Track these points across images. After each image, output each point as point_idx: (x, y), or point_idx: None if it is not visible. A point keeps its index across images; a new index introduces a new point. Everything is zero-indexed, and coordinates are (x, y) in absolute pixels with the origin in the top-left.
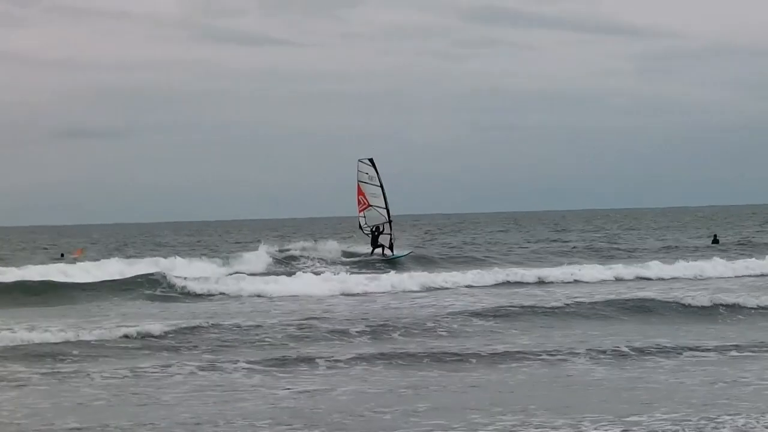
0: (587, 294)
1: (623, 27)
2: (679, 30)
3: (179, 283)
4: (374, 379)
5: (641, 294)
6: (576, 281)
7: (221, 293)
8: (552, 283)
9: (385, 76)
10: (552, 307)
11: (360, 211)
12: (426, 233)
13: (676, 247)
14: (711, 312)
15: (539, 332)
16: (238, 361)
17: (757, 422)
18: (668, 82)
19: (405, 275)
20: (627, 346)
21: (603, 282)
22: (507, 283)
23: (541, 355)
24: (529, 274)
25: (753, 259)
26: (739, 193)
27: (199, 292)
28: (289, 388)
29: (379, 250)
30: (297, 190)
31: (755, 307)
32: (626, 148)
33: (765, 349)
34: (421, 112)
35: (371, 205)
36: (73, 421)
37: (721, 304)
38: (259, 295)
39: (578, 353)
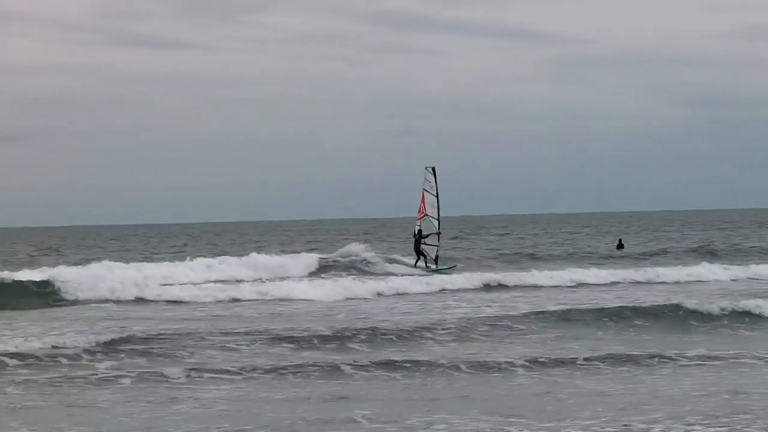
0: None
1: (532, 33)
2: (589, 36)
3: (72, 290)
4: (315, 385)
5: None
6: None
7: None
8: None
9: (294, 82)
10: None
11: (418, 220)
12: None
13: (589, 252)
14: None
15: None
16: (168, 369)
17: None
18: (579, 88)
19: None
20: None
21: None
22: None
23: None
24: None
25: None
26: (651, 199)
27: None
28: (222, 394)
29: (421, 263)
30: (208, 194)
31: None
32: (538, 154)
33: None
34: (330, 117)
35: (428, 215)
36: (20, 424)
37: None
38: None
39: None
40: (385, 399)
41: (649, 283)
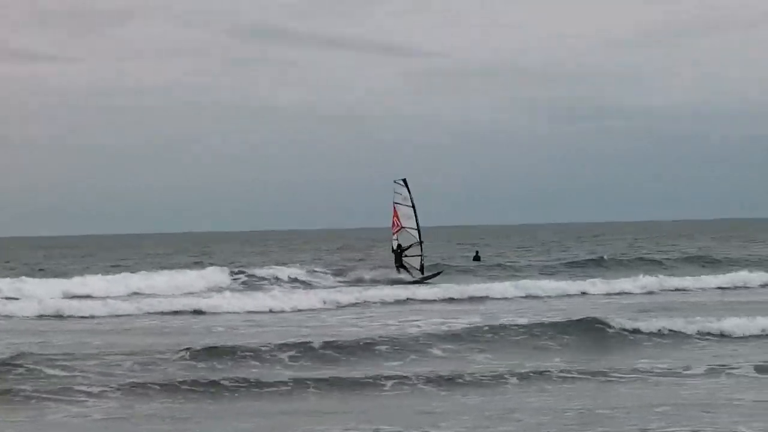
0: None
1: (387, 45)
2: (451, 50)
3: None
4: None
5: None
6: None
7: None
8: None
9: (156, 93)
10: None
11: (393, 234)
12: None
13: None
14: None
15: None
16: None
17: None
18: (436, 101)
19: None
20: None
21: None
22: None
23: None
24: None
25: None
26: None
27: None
28: (96, 409)
29: (406, 275)
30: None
31: None
32: (400, 166)
33: None
34: (193, 129)
35: (404, 227)
36: None
37: None
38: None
39: None
40: (263, 414)
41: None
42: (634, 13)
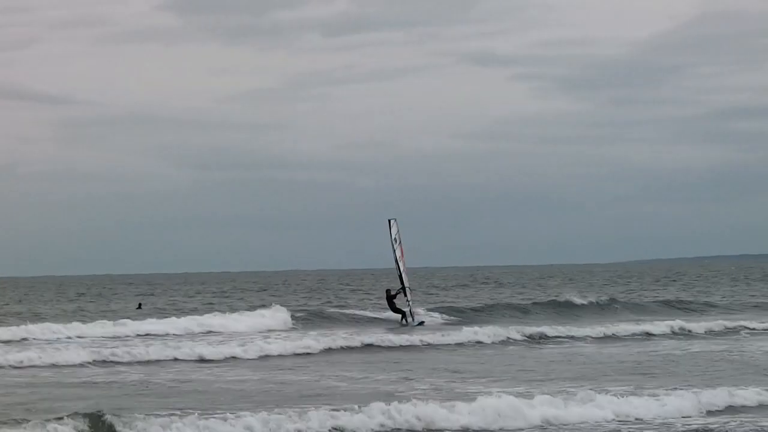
0: None
1: (38, 93)
2: (96, 98)
3: None
4: None
5: None
6: None
7: None
8: None
9: None
10: None
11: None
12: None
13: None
14: None
15: None
16: None
17: None
18: (87, 150)
19: None
20: None
21: None
22: None
23: None
24: None
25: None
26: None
27: None
28: None
29: (399, 316)
30: None
31: None
32: (44, 219)
33: None
34: None
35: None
36: None
37: None
38: None
39: None
40: None
41: None
42: (281, 64)
